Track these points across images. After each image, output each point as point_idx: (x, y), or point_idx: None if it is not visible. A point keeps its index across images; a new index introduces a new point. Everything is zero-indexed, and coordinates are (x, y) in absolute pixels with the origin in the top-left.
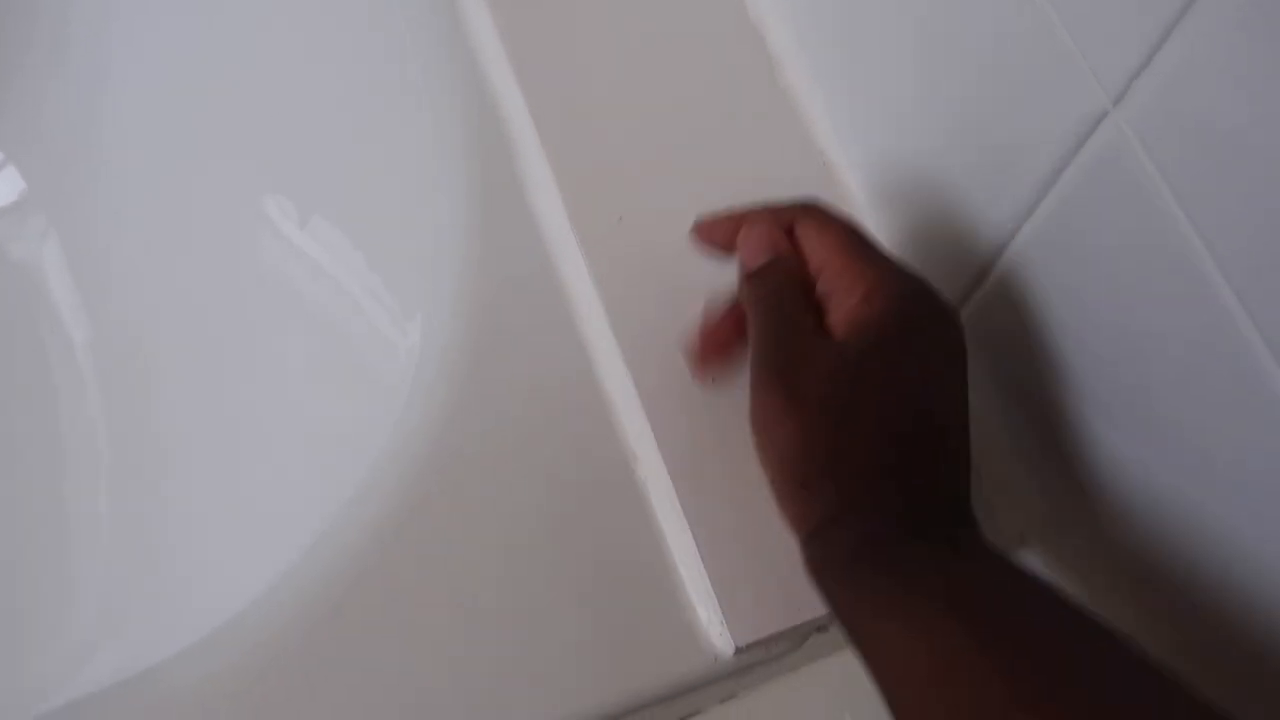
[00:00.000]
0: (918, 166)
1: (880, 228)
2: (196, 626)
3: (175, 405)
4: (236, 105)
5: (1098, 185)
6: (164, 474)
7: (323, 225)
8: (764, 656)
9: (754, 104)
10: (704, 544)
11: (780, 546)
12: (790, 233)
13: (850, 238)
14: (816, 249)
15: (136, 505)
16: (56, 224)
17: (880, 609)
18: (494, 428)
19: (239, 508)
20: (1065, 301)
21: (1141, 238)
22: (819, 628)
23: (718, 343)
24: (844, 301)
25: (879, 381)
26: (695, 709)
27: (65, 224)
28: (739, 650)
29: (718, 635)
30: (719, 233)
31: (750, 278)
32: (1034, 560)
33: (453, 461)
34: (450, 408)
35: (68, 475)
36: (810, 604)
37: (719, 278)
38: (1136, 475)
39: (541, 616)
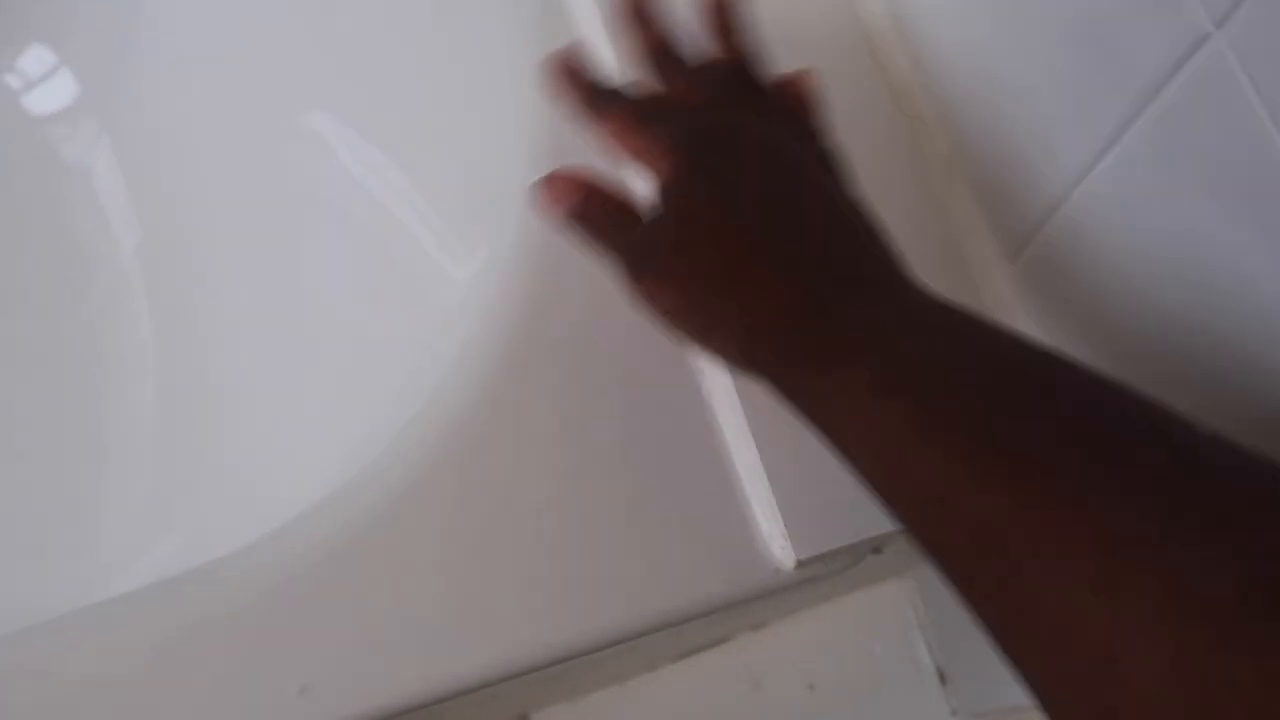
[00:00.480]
0: (1015, 77)
1: (972, 132)
2: (248, 523)
3: (222, 309)
4: (295, 15)
5: (1195, 105)
6: (209, 374)
7: (376, 149)
8: (823, 571)
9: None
10: (768, 460)
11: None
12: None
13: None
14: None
15: (184, 402)
16: (108, 129)
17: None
18: (559, 347)
19: (286, 413)
20: (1154, 217)
21: (1236, 155)
22: (874, 549)
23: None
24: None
25: (705, 222)
26: (761, 620)
27: (116, 129)
28: (800, 564)
29: (780, 549)
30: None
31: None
32: None
33: (517, 380)
34: (512, 327)
35: (114, 371)
36: (870, 522)
37: None
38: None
39: (608, 528)
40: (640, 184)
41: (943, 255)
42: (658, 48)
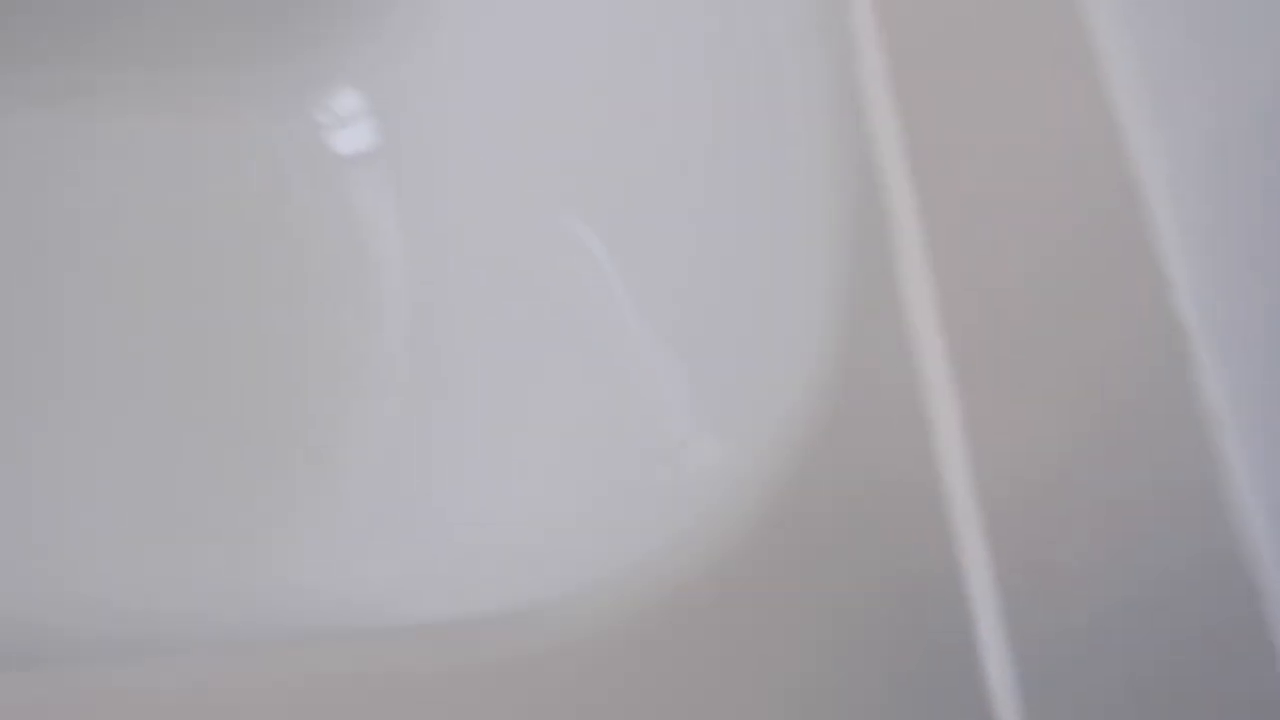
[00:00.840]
0: None
1: None
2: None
3: (462, 374)
4: (592, 119)
5: None
6: (444, 428)
7: (644, 279)
8: None
9: None
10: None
11: None
12: None
13: None
14: None
15: (419, 439)
16: (398, 181)
17: None
18: (802, 565)
19: (507, 491)
20: None
21: None
22: None
23: None
24: None
25: None
26: None
27: (407, 183)
28: None
29: None
30: None
31: None
32: None
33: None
34: (752, 521)
35: (357, 395)
36: None
37: None
38: None
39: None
40: None
41: None
42: None
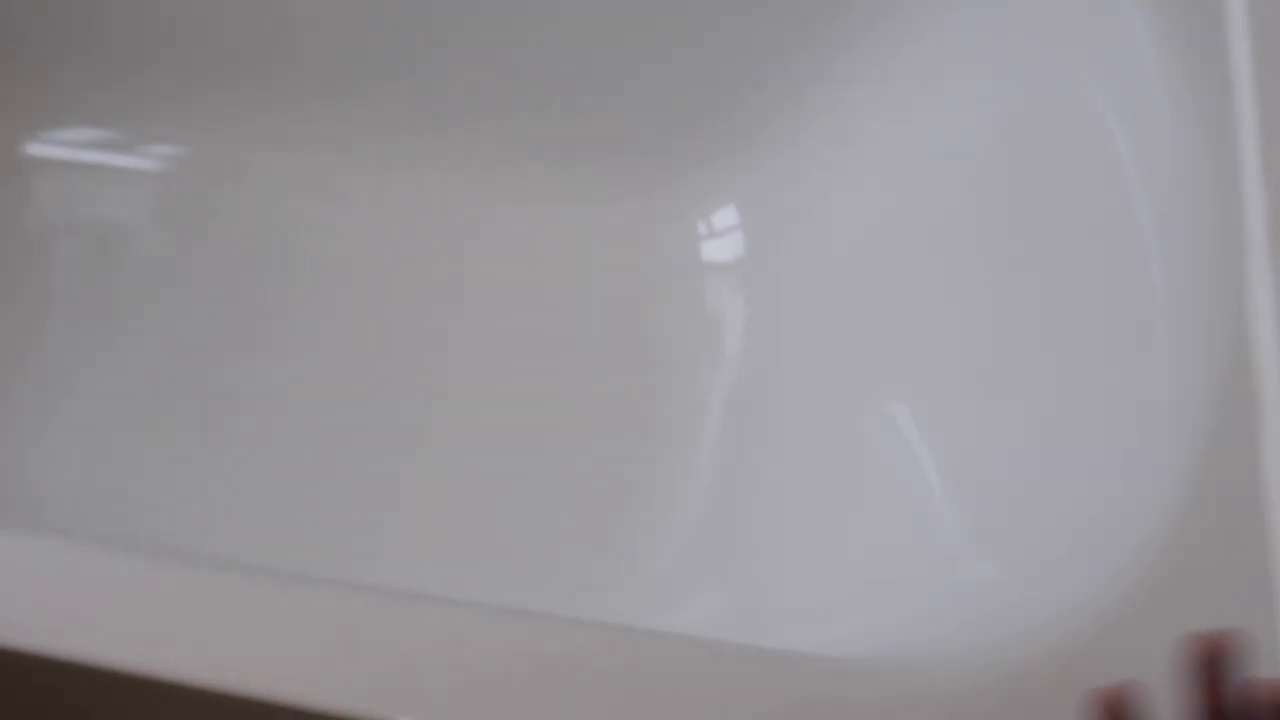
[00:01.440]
0: None
1: None
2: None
3: (781, 474)
4: (937, 284)
5: None
6: (765, 502)
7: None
8: None
9: None
10: None
11: None
12: None
13: None
14: None
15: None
16: (750, 291)
17: None
18: None
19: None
20: None
21: None
22: None
23: None
24: None
25: None
26: None
27: (757, 294)
28: None
29: None
30: None
31: None
32: None
33: None
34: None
35: (679, 470)
36: None
37: None
38: None
39: None
40: None
41: None
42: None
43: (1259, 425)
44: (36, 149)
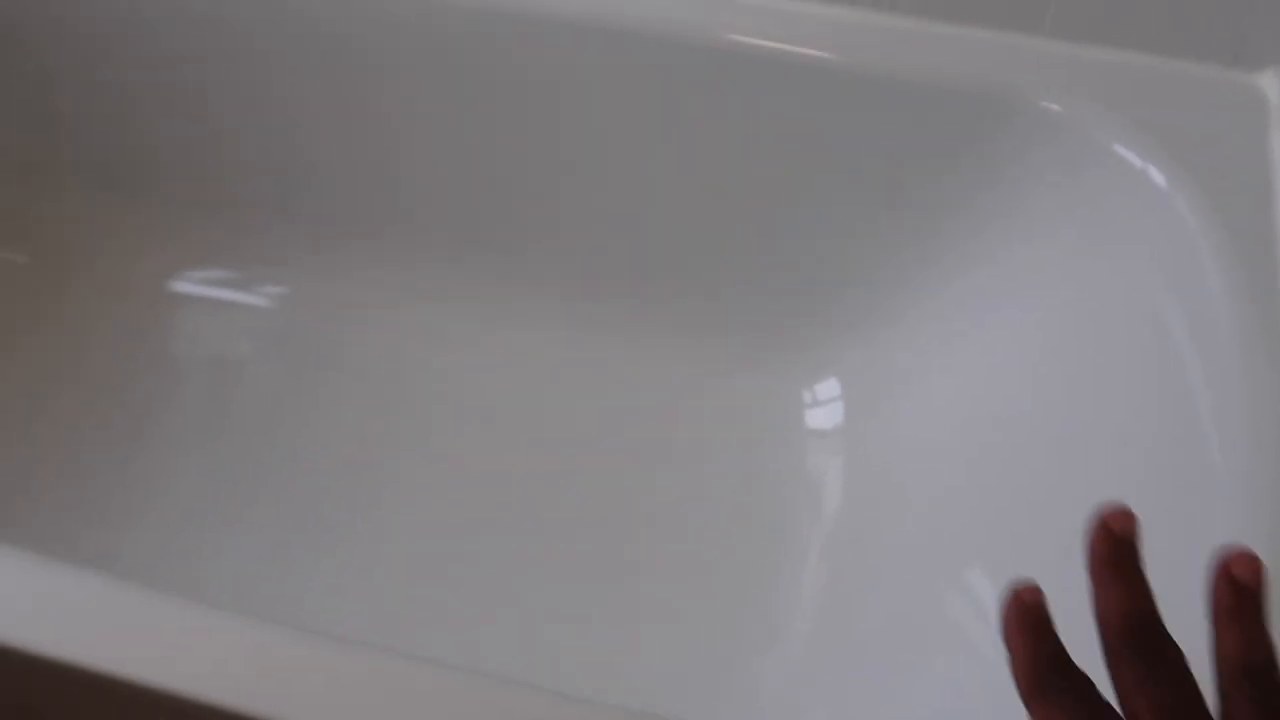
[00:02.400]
0: None
1: None
2: None
3: (871, 625)
4: (1021, 466)
5: None
6: (854, 647)
7: None
8: None
9: None
10: None
11: None
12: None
13: None
14: None
15: (836, 639)
16: (848, 455)
17: None
18: None
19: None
20: None
21: None
22: None
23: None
24: None
25: None
26: None
27: (854, 459)
28: None
29: None
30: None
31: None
32: None
33: None
34: None
35: (783, 595)
36: None
37: None
38: None
39: None
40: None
41: None
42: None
43: None
44: (181, 286)
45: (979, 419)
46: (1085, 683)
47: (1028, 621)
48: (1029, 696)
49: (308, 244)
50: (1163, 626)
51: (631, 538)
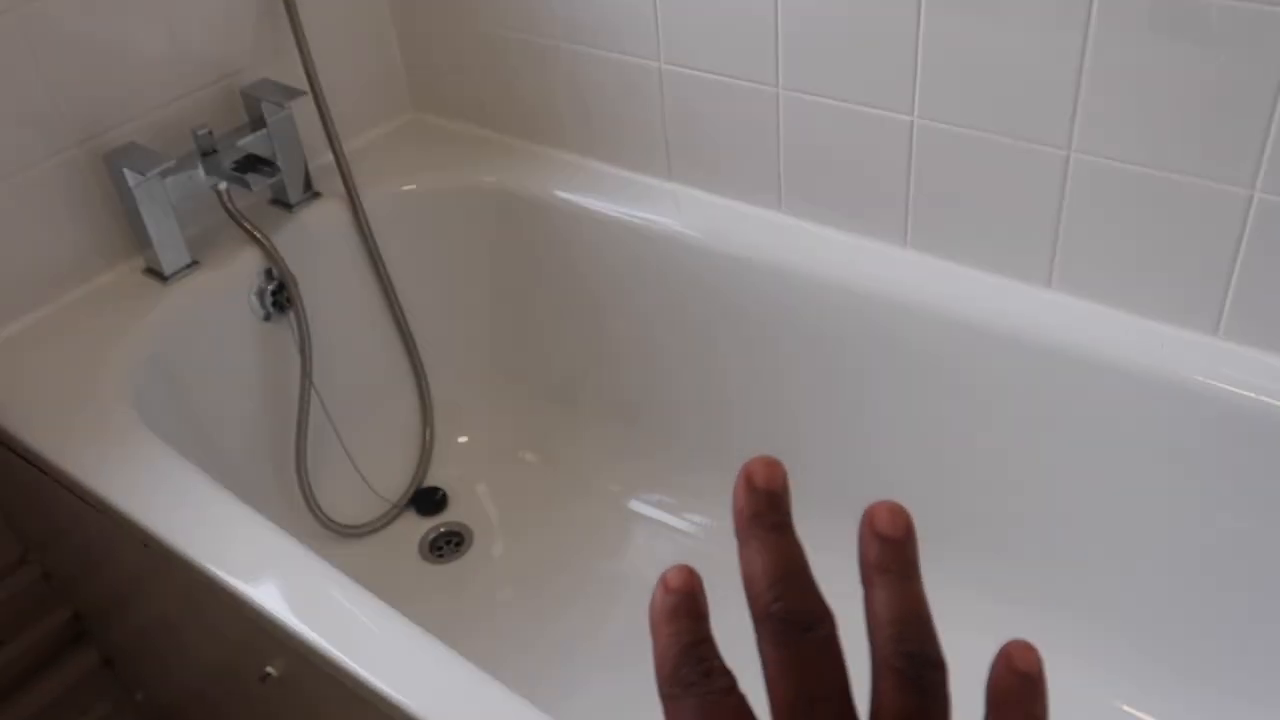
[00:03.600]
0: None
1: None
2: None
3: None
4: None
5: None
6: None
7: None
8: None
9: None
10: None
11: None
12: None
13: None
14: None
15: None
16: None
17: None
18: None
19: None
20: None
21: None
22: None
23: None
24: None
25: None
26: None
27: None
28: None
29: None
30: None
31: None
32: None
33: None
34: None
35: None
36: None
37: None
38: None
39: None
40: None
41: None
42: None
43: None
44: (636, 505)
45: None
46: (727, 682)
47: (673, 609)
48: (661, 692)
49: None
50: (815, 596)
51: None
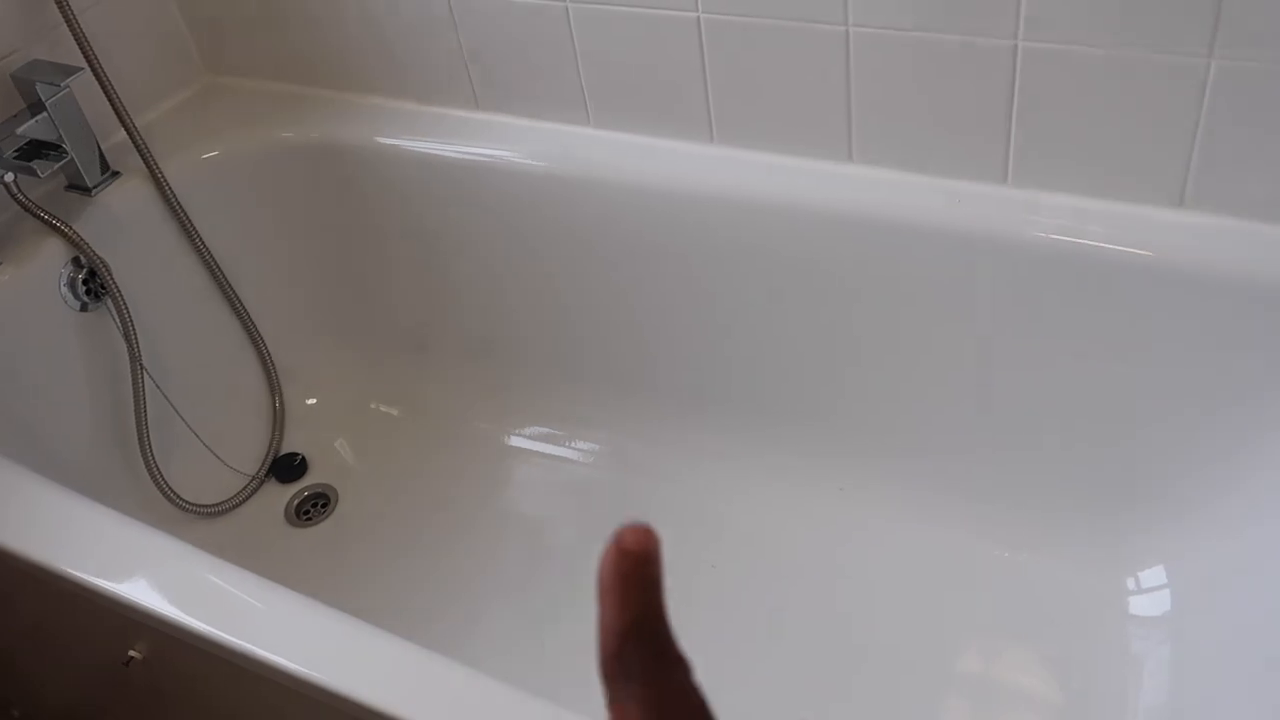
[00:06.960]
0: None
1: None
2: None
3: None
4: None
5: None
6: None
7: None
8: None
9: None
10: None
11: None
12: None
13: None
14: None
15: None
16: (1175, 644)
17: None
18: None
19: None
20: None
21: None
22: None
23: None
24: None
25: None
26: None
27: (1183, 649)
28: None
29: None
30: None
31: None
32: None
33: None
34: None
35: None
36: None
37: None
38: None
39: None
40: None
41: None
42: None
43: None
44: (514, 440)
45: None
46: (680, 672)
47: (623, 575)
48: (603, 673)
49: (626, 409)
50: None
51: (933, 714)
